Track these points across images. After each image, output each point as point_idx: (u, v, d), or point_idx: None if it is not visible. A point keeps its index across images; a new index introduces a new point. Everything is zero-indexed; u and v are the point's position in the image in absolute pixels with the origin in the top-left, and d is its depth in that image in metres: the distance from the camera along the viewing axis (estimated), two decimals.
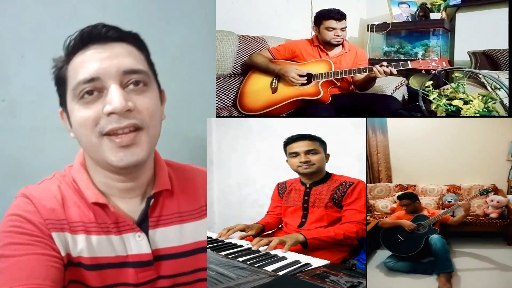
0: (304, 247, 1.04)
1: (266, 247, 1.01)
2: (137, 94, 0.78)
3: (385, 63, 1.34)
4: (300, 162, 1.21)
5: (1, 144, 1.17)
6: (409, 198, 1.44)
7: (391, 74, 1.34)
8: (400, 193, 1.56)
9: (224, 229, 1.18)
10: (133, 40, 0.83)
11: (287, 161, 1.26)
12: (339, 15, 1.48)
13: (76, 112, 0.78)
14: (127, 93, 0.77)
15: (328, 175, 1.24)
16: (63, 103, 0.83)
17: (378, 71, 1.33)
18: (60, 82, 0.82)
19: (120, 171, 0.81)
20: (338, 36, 1.49)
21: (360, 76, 1.44)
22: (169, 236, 0.87)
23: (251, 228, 1.21)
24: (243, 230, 1.20)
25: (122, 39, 0.81)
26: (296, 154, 1.22)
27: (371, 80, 1.43)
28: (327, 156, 1.25)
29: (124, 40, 0.81)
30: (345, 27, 1.50)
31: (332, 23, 1.48)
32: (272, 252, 0.98)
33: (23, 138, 1.18)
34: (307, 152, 1.21)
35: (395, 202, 1.59)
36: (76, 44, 0.79)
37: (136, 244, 0.83)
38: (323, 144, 1.24)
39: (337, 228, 1.12)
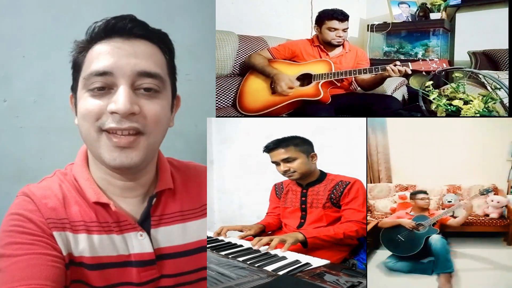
0: (304, 246, 1.04)
1: (266, 246, 1.01)
2: (146, 99, 0.77)
3: (398, 63, 1.31)
4: (282, 171, 1.20)
5: (3, 144, 1.18)
6: (424, 193, 1.42)
7: (405, 73, 1.31)
8: (412, 191, 1.53)
9: (220, 228, 1.18)
10: (159, 40, 0.81)
11: None
12: (342, 16, 1.47)
13: (82, 102, 0.77)
14: (136, 96, 0.76)
15: (323, 175, 1.23)
16: (74, 87, 0.81)
17: (393, 70, 1.30)
18: (76, 67, 0.80)
19: (115, 170, 0.81)
20: (340, 36, 1.48)
21: (367, 75, 1.43)
22: (172, 235, 0.87)
23: (249, 229, 1.20)
24: (240, 231, 1.20)
25: (147, 38, 0.79)
26: (277, 163, 1.20)
27: (382, 80, 1.41)
28: (313, 156, 1.20)
29: (149, 39, 0.79)
30: (347, 28, 1.49)
31: (334, 23, 1.47)
32: (272, 252, 0.98)
33: (25, 138, 1.18)
34: (285, 161, 1.18)
35: (395, 202, 1.59)
36: (99, 33, 0.78)
37: (138, 243, 0.82)
38: (302, 146, 1.19)
39: (336, 227, 1.11)
